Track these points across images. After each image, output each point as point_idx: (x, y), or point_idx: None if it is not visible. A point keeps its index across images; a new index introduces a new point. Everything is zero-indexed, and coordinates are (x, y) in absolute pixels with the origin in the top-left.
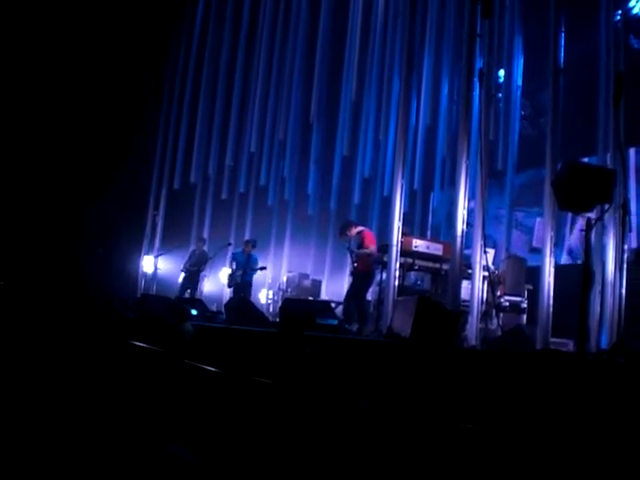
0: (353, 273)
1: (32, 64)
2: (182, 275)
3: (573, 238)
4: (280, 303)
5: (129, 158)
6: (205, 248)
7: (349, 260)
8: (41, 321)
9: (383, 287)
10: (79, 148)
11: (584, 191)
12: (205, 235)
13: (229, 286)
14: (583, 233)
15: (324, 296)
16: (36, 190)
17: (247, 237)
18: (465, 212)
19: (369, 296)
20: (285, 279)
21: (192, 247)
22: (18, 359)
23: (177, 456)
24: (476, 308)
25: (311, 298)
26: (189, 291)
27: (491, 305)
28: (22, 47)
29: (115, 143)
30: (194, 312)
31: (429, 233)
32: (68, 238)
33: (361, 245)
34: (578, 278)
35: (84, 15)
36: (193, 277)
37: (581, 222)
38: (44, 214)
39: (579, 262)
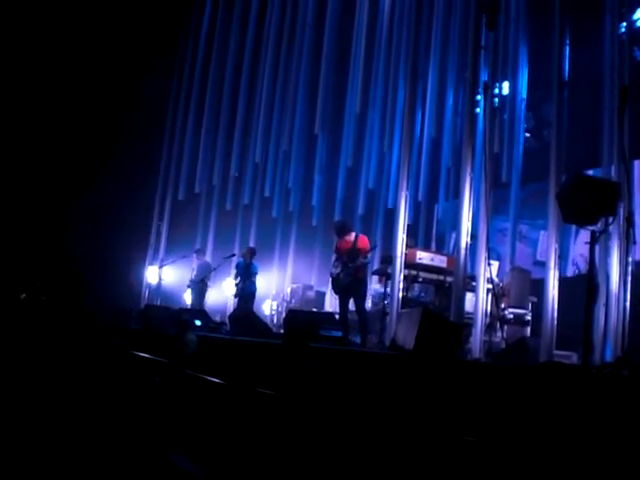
0: (352, 282)
1: (38, 75)
2: (188, 290)
3: (577, 250)
4: (284, 314)
5: (133, 169)
6: (207, 258)
7: (340, 268)
8: (45, 331)
9: (387, 299)
10: (83, 159)
11: (588, 204)
12: (209, 246)
13: (235, 296)
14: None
15: (328, 307)
16: (38, 199)
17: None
18: (469, 224)
19: (368, 307)
20: (289, 290)
21: (197, 261)
22: (21, 368)
23: (179, 467)
24: (480, 320)
25: (315, 309)
26: (194, 301)
27: (495, 317)
28: (25, 48)
29: (119, 155)
30: (198, 323)
31: (433, 244)
32: (72, 248)
33: (364, 252)
34: (582, 291)
35: (91, 23)
36: (198, 289)
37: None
38: (47, 224)
39: (578, 273)
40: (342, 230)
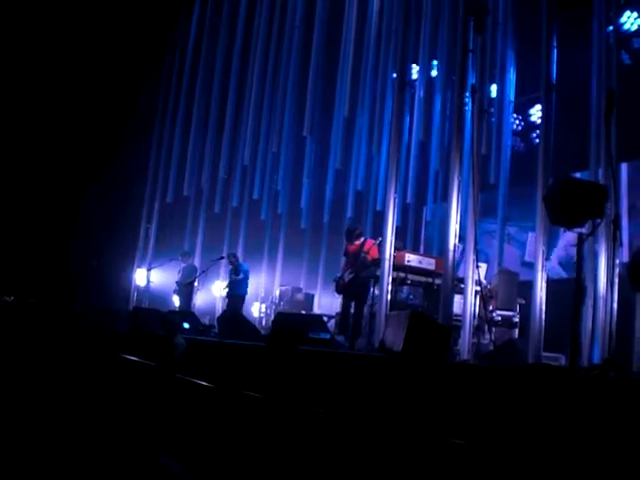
0: (353, 280)
1: (31, 79)
2: (175, 294)
3: (560, 250)
4: (273, 317)
5: (122, 171)
6: (195, 260)
7: (348, 271)
8: (34, 334)
9: (375, 302)
10: (72, 160)
11: (576, 206)
12: (198, 248)
13: (226, 297)
14: (569, 247)
15: (317, 310)
16: (28, 202)
17: (240, 250)
18: (457, 227)
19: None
20: (278, 293)
21: (182, 264)
22: (8, 370)
23: (166, 469)
24: (468, 322)
25: (304, 312)
26: (181, 304)
27: (483, 319)
28: (21, 50)
29: (108, 156)
30: (186, 325)
31: (422, 247)
32: (61, 251)
33: (370, 256)
34: (570, 293)
35: (80, 28)
36: (185, 291)
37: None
38: (37, 227)
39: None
40: (352, 234)
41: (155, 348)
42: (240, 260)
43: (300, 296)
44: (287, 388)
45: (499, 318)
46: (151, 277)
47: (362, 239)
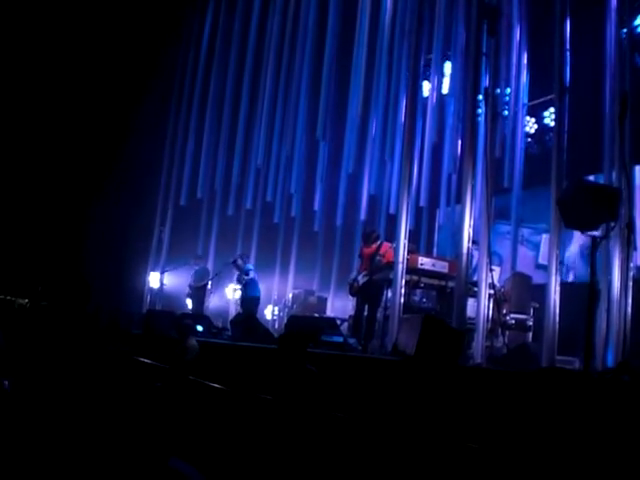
0: (367, 283)
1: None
2: (188, 297)
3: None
4: (286, 320)
5: (135, 174)
6: (208, 263)
7: (362, 273)
8: (47, 337)
9: (388, 305)
10: (85, 163)
11: (590, 209)
12: (211, 251)
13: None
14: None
15: (330, 313)
16: (41, 205)
17: (253, 253)
18: (471, 230)
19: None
20: (291, 296)
21: (194, 267)
22: (26, 372)
23: (179, 471)
24: (482, 326)
25: (316, 315)
26: (194, 307)
27: (497, 323)
28: (26, 58)
29: (121, 159)
30: (200, 328)
31: (435, 250)
32: (75, 253)
33: (385, 259)
34: (584, 296)
35: (86, 26)
36: (197, 294)
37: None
38: (51, 229)
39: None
40: (369, 238)
41: (168, 350)
42: (248, 264)
43: (313, 299)
44: (298, 390)
45: (513, 321)
46: (164, 280)
47: (379, 242)
